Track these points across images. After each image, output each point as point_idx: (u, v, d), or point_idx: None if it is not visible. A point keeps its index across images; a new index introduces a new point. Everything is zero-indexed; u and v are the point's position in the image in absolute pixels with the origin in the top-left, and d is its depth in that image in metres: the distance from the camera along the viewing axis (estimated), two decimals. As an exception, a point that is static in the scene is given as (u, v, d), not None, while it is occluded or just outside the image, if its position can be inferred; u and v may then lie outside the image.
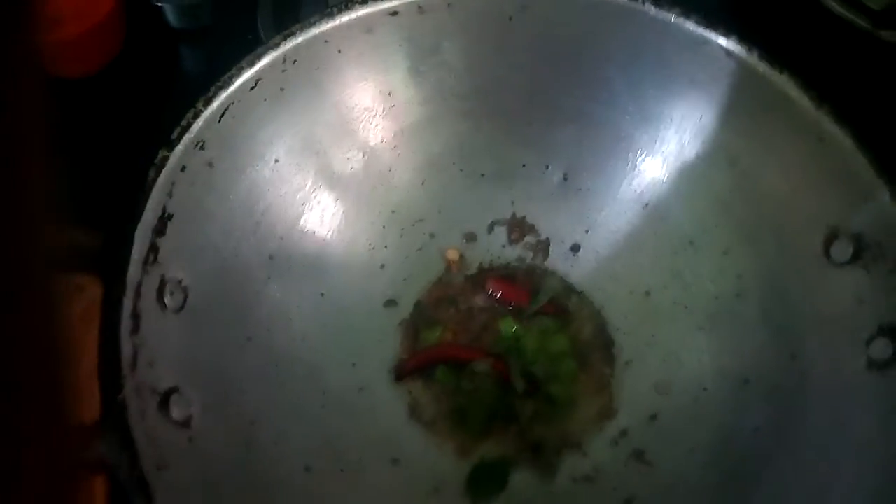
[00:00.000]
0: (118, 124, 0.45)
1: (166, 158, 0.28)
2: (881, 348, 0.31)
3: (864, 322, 0.32)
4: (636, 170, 0.39)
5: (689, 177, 0.38)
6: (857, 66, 0.47)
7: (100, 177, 0.34)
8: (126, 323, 0.25)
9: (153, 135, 0.44)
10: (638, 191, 0.39)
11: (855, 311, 0.33)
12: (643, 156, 0.39)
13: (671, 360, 0.37)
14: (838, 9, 0.47)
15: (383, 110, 0.37)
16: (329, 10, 0.33)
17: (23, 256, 0.13)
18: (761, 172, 0.36)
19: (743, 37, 0.35)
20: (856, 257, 0.33)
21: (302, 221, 0.35)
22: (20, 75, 0.12)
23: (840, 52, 0.47)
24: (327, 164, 0.36)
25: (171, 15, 0.49)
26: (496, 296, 0.38)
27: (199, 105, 0.29)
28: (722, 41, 0.35)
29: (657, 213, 0.39)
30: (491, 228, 0.40)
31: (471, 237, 0.40)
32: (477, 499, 0.33)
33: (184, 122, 0.29)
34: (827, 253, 0.34)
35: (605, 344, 0.38)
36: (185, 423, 0.27)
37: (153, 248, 0.27)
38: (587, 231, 0.40)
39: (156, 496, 0.23)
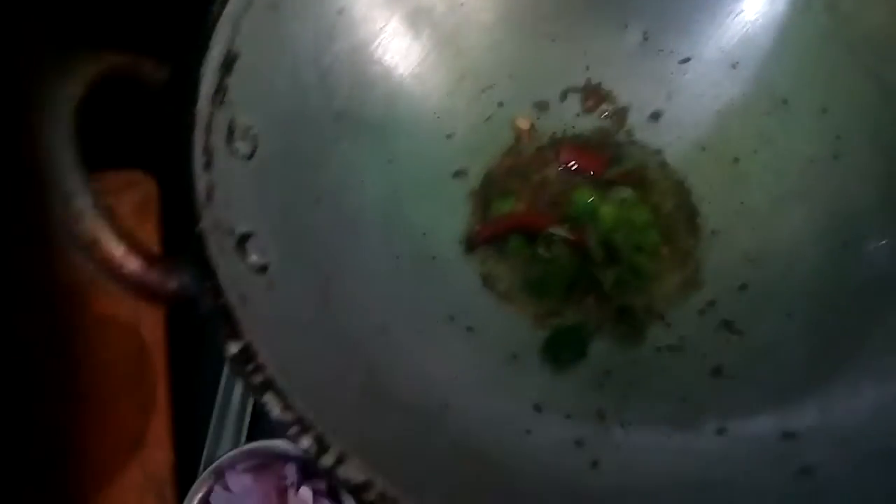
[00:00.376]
0: None
1: (230, -10, 0.26)
2: None
3: None
4: (724, 25, 0.36)
5: (783, 29, 0.35)
6: None
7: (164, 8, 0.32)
8: (199, 157, 0.24)
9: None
10: (726, 49, 0.36)
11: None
12: (732, 9, 0.36)
13: (762, 227, 0.34)
14: None
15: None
16: None
17: None
18: (864, 14, 0.33)
19: None
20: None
21: (368, 80, 0.33)
22: None
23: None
24: (392, 18, 0.33)
25: None
26: (570, 166, 0.36)
27: (262, -65, 0.27)
28: None
29: (747, 72, 0.36)
30: (564, 96, 0.37)
31: (542, 105, 0.37)
32: (555, 365, 0.32)
33: (247, -47, 0.27)
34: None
35: (689, 214, 0.35)
36: (263, 269, 0.25)
37: (221, 86, 0.26)
38: (669, 96, 0.37)
39: (241, 326, 0.21)
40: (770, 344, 0.31)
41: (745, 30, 0.36)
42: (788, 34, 0.35)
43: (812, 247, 0.33)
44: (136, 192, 0.40)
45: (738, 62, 0.36)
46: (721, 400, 0.30)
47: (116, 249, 0.20)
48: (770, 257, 0.34)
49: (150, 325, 0.37)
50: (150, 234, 0.39)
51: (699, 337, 0.32)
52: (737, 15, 0.35)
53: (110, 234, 0.20)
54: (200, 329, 0.32)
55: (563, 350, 0.32)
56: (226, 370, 0.36)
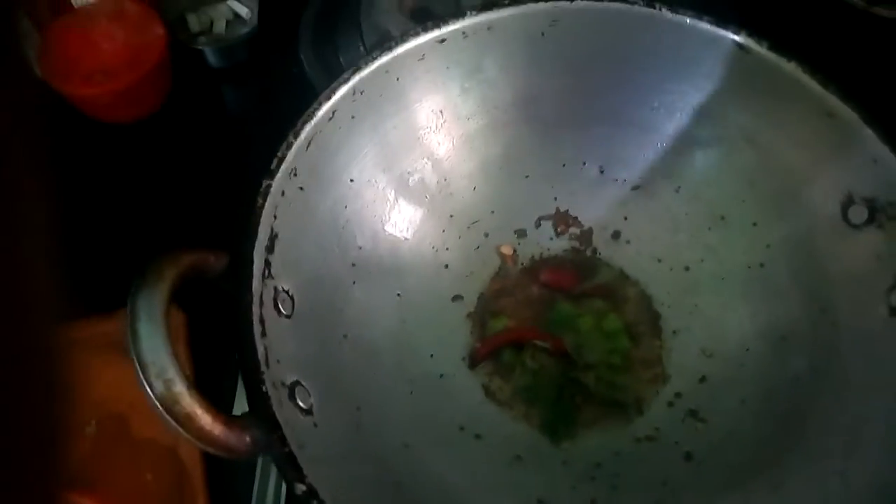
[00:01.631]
0: (172, 162, 0.50)
1: (270, 186, 0.33)
2: (902, 297, 0.35)
3: (883, 275, 0.36)
4: (664, 158, 0.43)
5: (715, 159, 0.42)
6: (855, 42, 0.51)
7: (194, 204, 0.39)
8: (256, 327, 0.30)
9: (222, 165, 0.50)
10: (669, 176, 0.43)
11: (874, 267, 0.37)
12: (671, 144, 0.43)
13: (714, 326, 0.41)
14: None
15: (437, 126, 0.41)
16: (388, 43, 0.37)
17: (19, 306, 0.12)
18: (779, 149, 0.40)
19: (752, 32, 0.39)
20: (871, 218, 0.37)
21: (376, 231, 0.39)
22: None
23: (837, 30, 0.52)
24: (394, 178, 0.40)
25: (211, 56, 0.54)
26: (550, 284, 0.43)
27: (290, 137, 0.34)
28: (734, 37, 0.39)
29: (689, 194, 0.43)
30: (538, 223, 0.44)
31: (521, 233, 0.44)
32: (554, 437, 0.37)
33: (280, 154, 0.33)
34: (845, 217, 0.38)
35: (652, 318, 0.42)
36: (309, 411, 0.31)
37: (267, 264, 0.32)
38: (626, 218, 0.44)
39: (305, 470, 0.27)
40: (730, 429, 0.37)
41: (683, 160, 0.43)
42: (720, 163, 0.42)
43: (756, 341, 0.40)
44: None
45: (679, 186, 0.43)
46: (694, 483, 0.36)
47: (205, 420, 0.26)
48: (723, 352, 0.40)
49: (188, 447, 0.41)
50: (182, 364, 0.44)
51: (670, 426, 0.38)
52: (673, 149, 0.43)
53: (200, 409, 0.26)
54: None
55: (556, 423, 0.38)
56: (256, 488, 0.41)
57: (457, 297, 0.42)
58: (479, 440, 0.37)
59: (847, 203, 0.38)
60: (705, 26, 0.40)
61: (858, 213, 0.38)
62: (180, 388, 0.25)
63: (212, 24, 0.56)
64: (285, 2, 0.55)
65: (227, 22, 0.56)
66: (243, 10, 0.56)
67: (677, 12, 0.40)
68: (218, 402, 0.27)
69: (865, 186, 0.38)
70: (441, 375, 0.39)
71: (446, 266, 0.42)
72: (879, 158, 0.37)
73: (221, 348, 0.41)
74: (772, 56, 0.39)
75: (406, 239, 0.41)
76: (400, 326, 0.39)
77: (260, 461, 0.40)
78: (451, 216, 0.43)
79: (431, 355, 0.40)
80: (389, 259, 0.40)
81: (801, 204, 0.40)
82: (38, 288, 0.12)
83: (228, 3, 0.56)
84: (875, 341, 0.36)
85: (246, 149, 0.45)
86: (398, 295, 0.40)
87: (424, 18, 0.40)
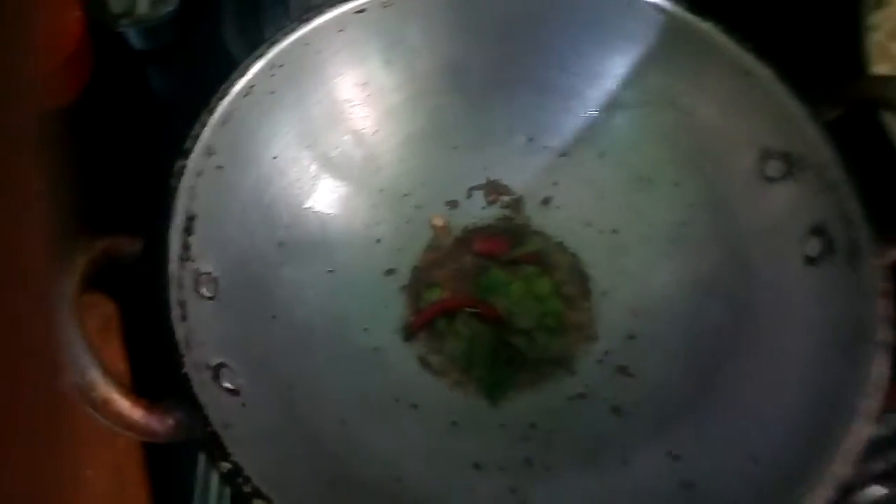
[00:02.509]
0: (107, 146, 0.48)
1: (184, 166, 0.32)
2: (813, 246, 0.37)
3: (799, 226, 0.38)
4: (590, 123, 0.44)
5: (637, 122, 0.43)
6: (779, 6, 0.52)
7: (116, 190, 0.38)
8: (175, 311, 0.29)
9: (147, 149, 0.48)
10: (594, 142, 0.44)
11: (790, 218, 0.38)
12: (594, 110, 0.44)
13: (641, 285, 0.42)
14: None
15: (361, 100, 0.41)
16: (305, 14, 0.37)
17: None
18: (698, 109, 0.41)
19: (668, -7, 0.40)
20: (786, 172, 0.39)
21: (303, 208, 0.39)
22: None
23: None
24: (319, 154, 0.40)
25: (134, 38, 0.52)
26: (482, 252, 0.43)
27: (204, 115, 0.33)
28: (650, -1, 0.40)
29: (614, 158, 0.44)
30: (469, 194, 0.44)
31: (453, 204, 0.44)
32: (490, 400, 0.38)
33: (194, 132, 0.33)
34: (762, 172, 0.39)
35: (582, 281, 0.42)
36: (236, 392, 0.31)
37: (185, 246, 0.31)
38: (555, 184, 0.44)
39: (228, 448, 0.27)
40: (656, 382, 0.39)
41: (607, 125, 0.44)
42: (642, 125, 0.43)
43: (681, 297, 0.41)
44: (97, 314, 0.44)
45: (604, 152, 0.44)
46: (622, 436, 0.37)
47: (123, 405, 0.26)
48: (649, 309, 0.41)
49: (126, 440, 0.40)
50: (114, 353, 0.43)
51: (600, 383, 0.39)
52: (597, 114, 0.43)
53: (118, 395, 0.25)
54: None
55: (493, 388, 0.39)
56: (199, 479, 0.40)
57: (390, 271, 0.42)
58: (415, 409, 0.38)
59: (764, 158, 0.39)
60: (622, -12, 0.40)
61: (775, 168, 0.39)
62: (94, 375, 0.25)
63: (135, 4, 0.54)
64: (208, -23, 0.53)
65: (151, 2, 0.54)
66: None
67: (593, -24, 0.40)
68: (160, 392, 0.27)
69: (780, 142, 0.39)
70: (376, 349, 0.39)
71: (378, 240, 0.42)
72: (793, 113, 0.38)
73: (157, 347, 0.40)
74: (688, 16, 0.39)
75: (335, 215, 0.41)
76: (332, 303, 0.39)
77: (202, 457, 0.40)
78: (381, 190, 0.43)
79: (365, 329, 0.40)
80: (319, 236, 0.40)
81: (720, 162, 0.41)
82: None
83: None
84: (791, 290, 0.37)
85: (172, 132, 0.44)
86: (329, 271, 0.40)
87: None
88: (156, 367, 0.38)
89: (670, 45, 0.41)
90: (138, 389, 0.28)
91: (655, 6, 0.40)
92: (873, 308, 0.33)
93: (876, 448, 0.40)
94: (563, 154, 0.44)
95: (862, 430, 0.31)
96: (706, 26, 0.39)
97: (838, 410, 0.32)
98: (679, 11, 0.40)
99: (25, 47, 0.12)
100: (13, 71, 0.12)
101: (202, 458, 0.39)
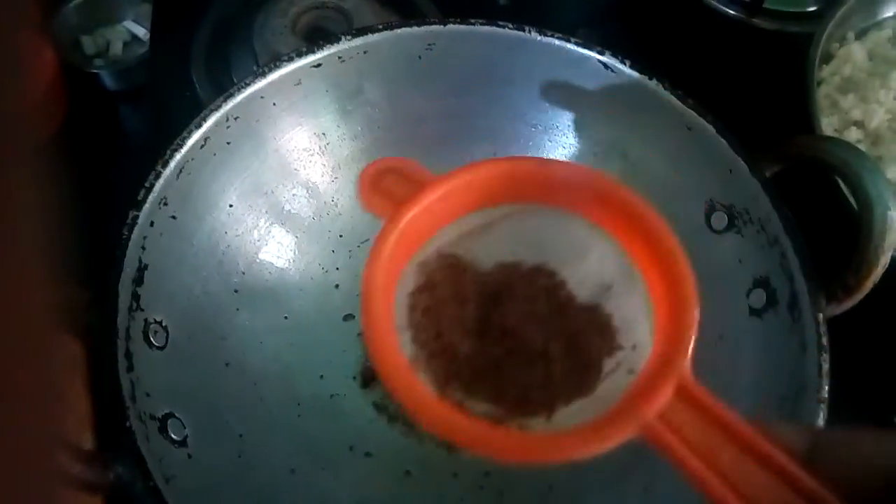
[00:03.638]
0: (74, 186, 0.49)
1: (136, 217, 0.32)
2: (757, 297, 0.38)
3: (744, 277, 0.39)
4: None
5: (590, 173, 0.44)
6: (733, 50, 0.54)
7: (75, 236, 0.38)
8: (122, 362, 0.29)
9: (111, 193, 0.49)
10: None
11: (735, 269, 0.39)
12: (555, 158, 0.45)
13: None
14: (714, 2, 0.54)
15: (319, 149, 0.42)
16: (260, 69, 0.38)
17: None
18: (647, 161, 0.42)
19: (615, 52, 0.41)
20: (730, 224, 0.40)
21: (260, 255, 0.40)
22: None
23: (720, 42, 0.55)
24: (276, 202, 0.40)
25: (107, 79, 0.53)
26: (439, 298, 0.43)
27: (158, 167, 0.34)
28: (599, 57, 0.41)
29: (567, 208, 0.45)
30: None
31: (411, 250, 0.45)
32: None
33: (147, 184, 0.33)
34: (708, 223, 0.41)
35: (538, 327, 0.43)
36: (183, 443, 0.31)
37: (135, 296, 0.32)
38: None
39: (168, 502, 0.27)
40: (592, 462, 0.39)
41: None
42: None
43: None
44: (63, 354, 0.44)
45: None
46: (574, 486, 0.37)
47: (62, 457, 0.26)
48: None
49: None
50: (78, 394, 0.43)
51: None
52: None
53: (59, 447, 0.25)
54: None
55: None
56: None
57: (348, 317, 0.42)
58: (368, 458, 0.38)
59: (710, 210, 0.41)
60: (572, 47, 0.42)
61: (720, 219, 0.41)
62: (31, 430, 0.25)
63: (108, 45, 0.55)
64: (179, 21, 0.54)
65: (125, 43, 0.55)
66: (140, 31, 0.55)
67: (545, 34, 0.41)
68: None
69: (724, 194, 0.40)
70: (331, 396, 0.40)
71: (336, 286, 0.43)
72: (734, 167, 0.39)
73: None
74: (634, 74, 0.41)
75: (293, 261, 0.41)
76: (287, 350, 0.39)
77: None
78: (341, 236, 0.43)
79: (321, 376, 0.40)
80: (275, 283, 0.40)
81: (669, 212, 0.42)
82: None
83: (125, 23, 0.56)
84: (738, 339, 0.38)
85: (142, 171, 0.44)
86: (285, 318, 0.40)
87: (319, 39, 0.40)
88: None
89: (619, 99, 0.42)
90: (101, 431, 0.28)
91: (604, 64, 0.41)
92: (814, 363, 0.34)
93: None
94: (520, 203, 0.45)
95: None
96: (651, 83, 0.41)
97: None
98: (625, 69, 0.41)
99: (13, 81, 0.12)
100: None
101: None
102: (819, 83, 0.48)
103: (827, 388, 0.33)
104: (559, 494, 0.37)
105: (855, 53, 0.50)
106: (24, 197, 0.13)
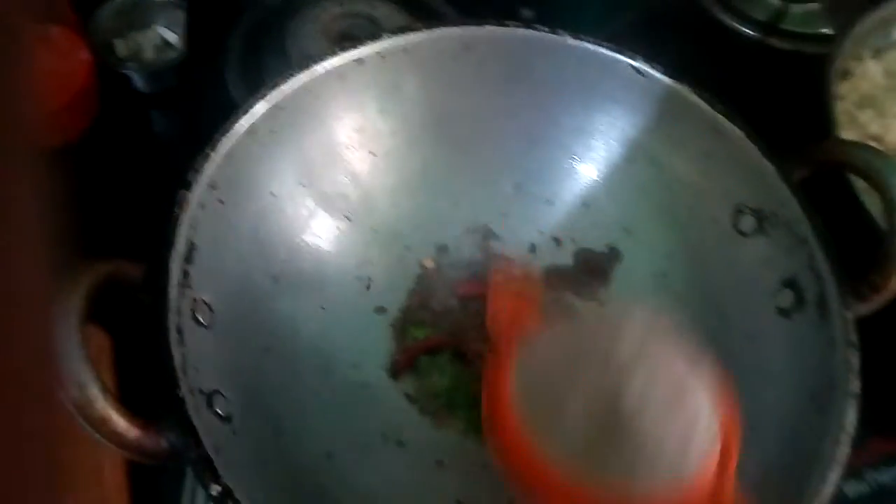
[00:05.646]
0: (111, 180, 0.50)
1: (187, 197, 0.33)
2: (786, 298, 0.39)
3: (772, 278, 0.40)
4: (574, 174, 0.46)
5: (618, 175, 0.45)
6: (749, 69, 0.56)
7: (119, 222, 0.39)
8: (173, 335, 0.30)
9: (147, 184, 0.49)
10: (578, 192, 0.46)
11: (763, 271, 0.40)
12: (579, 162, 0.46)
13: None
14: (730, 22, 0.56)
15: (357, 143, 0.43)
16: (307, 62, 0.39)
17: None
18: (675, 165, 0.43)
19: (647, 57, 0.43)
20: (758, 227, 0.41)
21: (299, 244, 0.40)
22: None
23: (734, 59, 0.56)
24: (315, 193, 0.41)
25: (139, 81, 0.54)
26: (466, 295, 0.44)
27: (208, 150, 0.35)
28: (630, 61, 0.43)
29: (596, 208, 0.46)
30: (458, 237, 0.46)
31: (442, 247, 0.45)
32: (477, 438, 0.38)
33: (197, 166, 0.34)
34: (736, 226, 0.42)
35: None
36: (228, 419, 0.31)
37: (185, 274, 0.32)
38: (540, 232, 0.46)
39: (219, 470, 0.27)
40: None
41: (590, 177, 0.46)
42: (623, 179, 0.45)
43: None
44: (91, 346, 0.44)
45: (588, 202, 0.46)
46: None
47: (119, 424, 0.26)
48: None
49: (113, 470, 0.40)
50: (106, 384, 0.43)
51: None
52: (582, 166, 0.46)
53: (115, 413, 0.26)
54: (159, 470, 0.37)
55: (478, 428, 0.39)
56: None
57: (380, 309, 0.43)
58: (401, 447, 0.38)
59: (737, 213, 0.42)
60: (604, 51, 0.43)
61: (747, 223, 0.42)
62: (94, 392, 0.26)
63: (140, 50, 0.56)
64: (212, 27, 0.56)
65: (156, 48, 0.56)
66: (172, 37, 0.56)
67: (579, 38, 0.43)
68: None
69: (752, 198, 0.41)
70: (364, 385, 0.40)
71: (369, 279, 0.43)
72: (762, 171, 0.40)
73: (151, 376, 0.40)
74: (664, 78, 0.42)
75: (329, 253, 0.42)
76: (323, 339, 0.40)
77: (186, 490, 0.40)
78: (374, 230, 0.44)
79: (354, 366, 0.40)
80: (312, 272, 0.41)
81: (696, 216, 0.43)
82: None
83: (157, 29, 0.57)
84: (766, 339, 0.39)
85: (173, 170, 0.45)
86: (322, 308, 0.41)
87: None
88: (148, 398, 0.39)
89: (649, 104, 0.43)
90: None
91: (635, 68, 0.43)
92: (843, 359, 0.35)
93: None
94: (549, 202, 0.46)
95: (833, 475, 0.32)
96: (681, 87, 0.42)
97: (810, 457, 0.33)
98: (655, 73, 0.43)
99: (21, 89, 0.13)
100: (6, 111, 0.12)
101: (186, 495, 0.39)
102: (837, 99, 0.49)
103: (857, 383, 0.34)
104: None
105: (872, 71, 0.51)
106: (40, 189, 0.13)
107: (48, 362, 0.15)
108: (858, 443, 0.42)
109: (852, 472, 0.41)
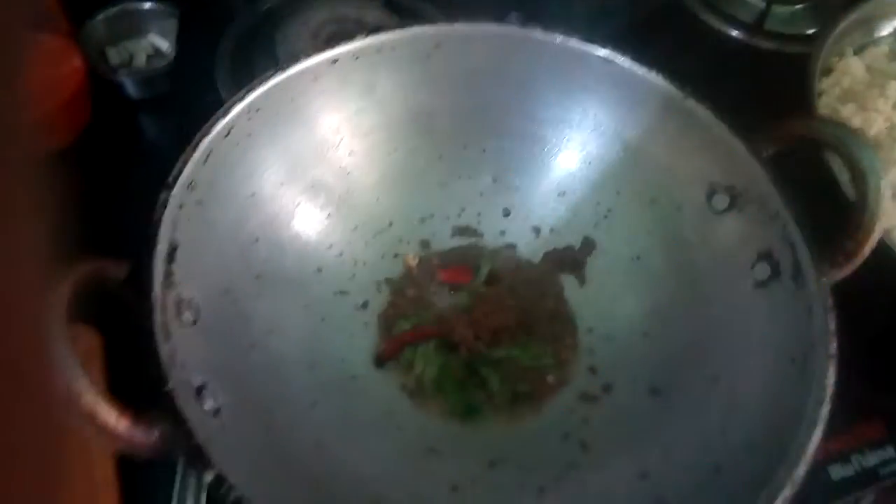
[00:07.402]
0: (101, 185, 0.50)
1: (167, 198, 0.34)
2: (762, 270, 0.40)
3: (747, 252, 0.40)
4: (551, 165, 0.47)
5: (594, 163, 0.46)
6: (735, 69, 0.57)
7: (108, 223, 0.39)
8: (159, 332, 0.30)
9: (134, 188, 0.50)
10: (555, 182, 0.47)
11: (739, 246, 0.41)
12: (555, 153, 0.47)
13: (604, 316, 0.44)
14: (716, 23, 0.57)
15: (336, 142, 0.43)
16: (280, 64, 0.39)
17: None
18: (648, 149, 0.44)
19: (616, 47, 0.44)
20: (732, 204, 0.42)
21: (281, 244, 0.41)
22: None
23: (720, 60, 0.57)
24: (295, 193, 0.42)
25: (130, 87, 0.55)
26: (448, 281, 0.45)
27: (188, 152, 0.35)
28: (599, 52, 0.44)
29: (574, 196, 0.47)
30: (439, 230, 0.46)
31: (423, 239, 0.46)
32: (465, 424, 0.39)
33: (177, 168, 0.35)
34: (710, 204, 0.42)
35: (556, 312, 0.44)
36: (216, 413, 0.32)
37: (168, 273, 0.33)
38: (513, 219, 0.47)
39: (212, 458, 0.28)
40: (623, 405, 0.40)
41: (567, 167, 0.47)
42: (599, 166, 0.46)
43: (643, 325, 0.43)
44: (80, 344, 0.44)
45: (564, 191, 0.47)
46: (592, 460, 0.38)
47: (108, 417, 0.26)
48: (615, 338, 0.43)
49: (103, 468, 0.40)
50: (96, 381, 0.43)
51: (568, 411, 0.41)
52: (559, 157, 0.47)
53: (104, 406, 0.26)
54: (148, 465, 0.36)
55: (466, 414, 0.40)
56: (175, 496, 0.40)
57: (365, 304, 0.43)
58: (391, 435, 0.39)
59: (711, 192, 0.43)
60: (574, 44, 0.44)
61: (721, 200, 0.42)
62: (81, 385, 0.26)
63: (132, 57, 0.57)
64: (203, 34, 0.56)
65: (148, 56, 0.57)
66: (164, 45, 0.57)
67: (548, 32, 0.44)
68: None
69: (724, 176, 0.42)
70: (352, 378, 0.40)
71: (353, 274, 0.44)
72: (732, 148, 0.41)
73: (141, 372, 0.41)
74: (633, 66, 0.43)
75: (311, 250, 0.42)
76: (309, 334, 0.40)
77: (177, 486, 0.40)
78: (355, 227, 0.45)
79: (342, 360, 0.41)
80: (295, 270, 0.41)
81: (671, 196, 0.44)
82: None
83: (149, 37, 0.58)
84: (745, 311, 0.40)
85: (162, 175, 0.45)
86: (306, 305, 0.41)
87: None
88: (140, 395, 0.39)
89: (620, 92, 0.44)
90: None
91: (604, 59, 0.44)
92: (821, 323, 0.36)
93: (843, 487, 0.42)
94: (527, 193, 0.47)
95: (815, 434, 0.33)
96: (650, 74, 0.43)
97: (793, 417, 0.34)
98: (625, 62, 0.44)
99: (14, 96, 0.13)
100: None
101: (175, 492, 0.39)
102: (819, 94, 0.49)
103: (835, 345, 0.35)
104: (580, 468, 0.38)
105: (853, 67, 0.52)
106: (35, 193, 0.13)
107: (41, 361, 0.15)
108: (844, 429, 0.43)
109: (840, 456, 0.43)
